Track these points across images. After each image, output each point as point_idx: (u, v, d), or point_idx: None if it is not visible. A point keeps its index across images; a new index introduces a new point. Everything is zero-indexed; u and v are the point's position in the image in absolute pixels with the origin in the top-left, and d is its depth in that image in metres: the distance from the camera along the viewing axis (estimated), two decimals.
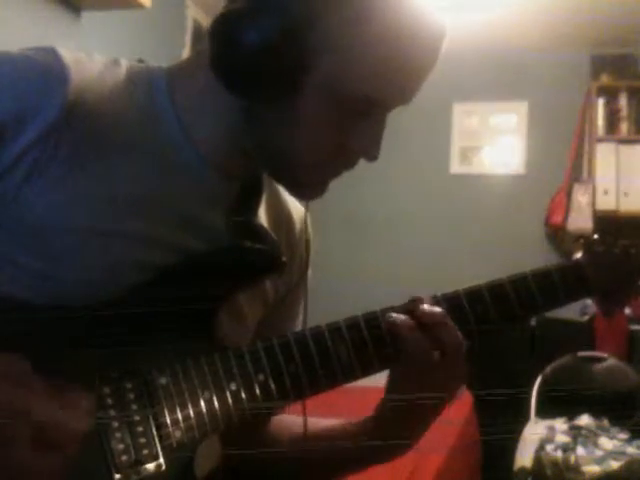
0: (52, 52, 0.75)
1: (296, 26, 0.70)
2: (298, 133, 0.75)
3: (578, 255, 0.88)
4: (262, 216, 0.88)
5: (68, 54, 0.76)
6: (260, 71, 0.71)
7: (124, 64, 0.81)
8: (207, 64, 0.74)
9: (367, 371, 0.78)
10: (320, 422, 0.93)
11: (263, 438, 0.95)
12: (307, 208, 0.91)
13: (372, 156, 0.77)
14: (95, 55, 0.80)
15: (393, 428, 0.84)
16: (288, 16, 0.69)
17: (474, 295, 0.82)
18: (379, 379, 0.85)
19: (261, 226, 0.84)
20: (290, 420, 0.95)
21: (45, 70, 0.73)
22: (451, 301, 0.81)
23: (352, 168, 0.80)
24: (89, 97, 0.74)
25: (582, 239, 0.89)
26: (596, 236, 0.89)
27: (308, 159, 0.76)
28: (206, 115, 0.79)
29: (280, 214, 0.92)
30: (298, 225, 0.94)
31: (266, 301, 0.90)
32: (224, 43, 0.71)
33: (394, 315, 0.78)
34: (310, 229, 0.96)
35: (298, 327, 0.95)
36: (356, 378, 0.78)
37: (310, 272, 0.96)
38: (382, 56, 0.71)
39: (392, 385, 0.82)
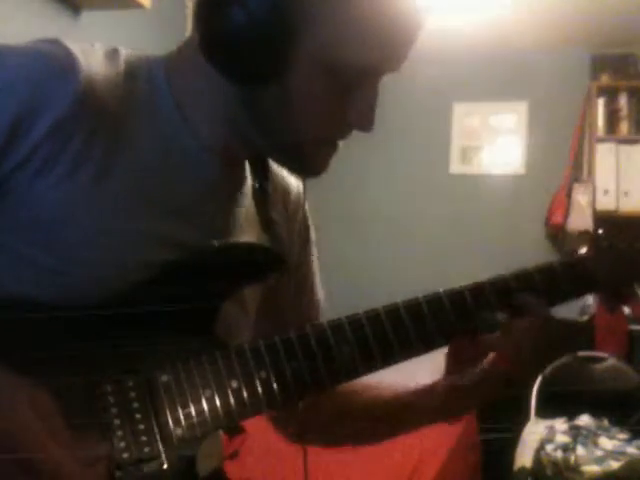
0: (59, 44, 0.75)
1: (281, 2, 0.69)
2: (293, 109, 0.74)
3: (582, 250, 0.88)
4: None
5: (74, 45, 0.75)
6: (249, 49, 0.70)
7: (123, 53, 0.80)
8: (199, 51, 0.73)
9: (369, 369, 0.78)
10: (387, 385, 0.94)
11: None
12: (305, 196, 0.91)
13: (367, 126, 0.77)
14: (96, 44, 0.79)
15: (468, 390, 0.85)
16: None
17: (477, 290, 0.82)
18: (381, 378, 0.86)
19: (270, 220, 0.84)
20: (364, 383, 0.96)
21: (56, 61, 0.73)
22: (454, 296, 0.81)
23: (346, 138, 0.80)
24: (97, 88, 0.74)
25: (587, 234, 0.89)
26: (600, 231, 0.89)
27: (306, 134, 0.76)
28: (203, 100, 0.79)
29: (276, 184, 0.91)
30: (294, 194, 0.94)
31: (266, 285, 0.90)
32: (209, 23, 0.70)
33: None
34: (306, 201, 0.96)
35: (316, 301, 0.97)
36: (358, 376, 0.78)
37: (313, 235, 0.96)
38: (368, 22, 0.71)
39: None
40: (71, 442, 0.62)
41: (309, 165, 0.80)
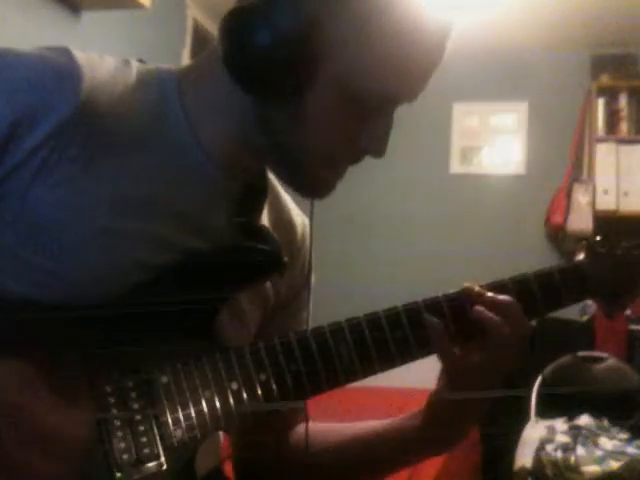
0: (66, 52, 0.75)
1: (307, 22, 0.70)
2: (309, 130, 0.75)
3: (580, 257, 0.88)
4: (263, 218, 0.88)
5: (81, 54, 0.76)
6: (272, 67, 0.71)
7: (134, 65, 0.81)
8: (217, 64, 0.75)
9: (368, 371, 0.78)
10: (357, 425, 0.93)
11: (289, 449, 0.94)
12: (312, 219, 0.91)
13: (378, 153, 0.78)
14: (106, 56, 0.80)
15: (448, 420, 0.84)
16: (299, 12, 0.70)
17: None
18: (379, 379, 0.86)
19: (263, 227, 0.85)
20: (325, 427, 0.95)
21: (59, 69, 0.73)
22: (453, 301, 0.81)
23: (357, 164, 0.81)
24: (101, 97, 0.75)
25: (584, 241, 0.89)
26: (598, 238, 0.89)
27: (319, 156, 0.77)
28: (215, 115, 0.80)
29: (281, 218, 0.92)
30: (299, 231, 0.94)
31: (266, 303, 0.90)
32: (236, 40, 0.72)
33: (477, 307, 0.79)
34: (312, 238, 0.96)
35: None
36: (357, 379, 0.78)
37: (313, 281, 0.96)
38: (390, 52, 0.72)
39: (451, 377, 0.82)
40: (54, 400, 0.62)
41: (315, 186, 0.80)
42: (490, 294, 0.80)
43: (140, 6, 2.70)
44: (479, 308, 0.79)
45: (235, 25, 0.72)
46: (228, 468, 0.91)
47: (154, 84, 0.80)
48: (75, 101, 0.72)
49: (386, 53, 0.72)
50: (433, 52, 0.76)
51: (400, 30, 0.72)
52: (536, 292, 0.83)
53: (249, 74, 0.73)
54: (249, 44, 0.71)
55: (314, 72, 0.72)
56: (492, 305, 0.79)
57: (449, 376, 0.82)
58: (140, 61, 0.84)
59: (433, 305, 0.80)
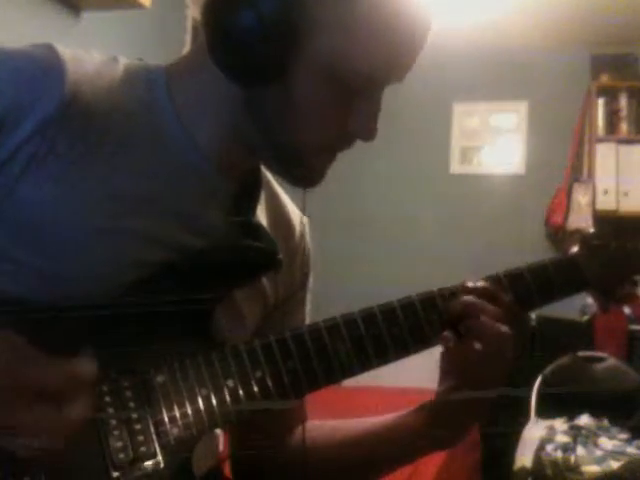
0: (50, 48, 0.75)
1: (289, 5, 0.69)
2: (295, 113, 0.74)
3: (574, 249, 0.88)
4: (261, 217, 0.88)
5: (66, 50, 0.76)
6: (255, 50, 0.70)
7: (122, 61, 0.81)
8: (205, 59, 0.74)
9: (365, 367, 0.78)
10: (362, 422, 0.93)
11: (290, 449, 0.94)
12: (305, 210, 0.90)
13: (368, 136, 0.77)
14: (93, 52, 0.80)
15: (451, 419, 0.84)
16: None
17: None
18: (378, 379, 0.85)
19: (258, 224, 0.84)
20: (328, 427, 0.95)
21: (43, 64, 0.73)
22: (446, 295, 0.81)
23: (348, 149, 0.80)
24: (87, 92, 0.75)
25: (578, 234, 0.89)
26: (592, 230, 0.89)
27: (308, 142, 0.76)
28: (205, 110, 0.79)
29: (278, 217, 0.92)
30: (298, 229, 0.94)
31: (265, 301, 0.90)
32: (219, 23, 0.71)
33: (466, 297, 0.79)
34: (309, 235, 0.96)
35: None
36: (353, 374, 0.78)
37: (311, 279, 0.96)
38: (373, 32, 0.71)
39: (452, 375, 0.82)
40: (48, 361, 0.62)
41: (307, 174, 0.80)
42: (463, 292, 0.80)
43: (140, 6, 2.70)
44: (450, 307, 0.79)
45: (215, 13, 0.71)
46: (227, 468, 0.91)
47: (141, 78, 0.80)
48: (60, 95, 0.72)
49: (369, 35, 0.71)
50: (417, 33, 0.75)
51: (383, 11, 0.71)
52: (530, 284, 0.83)
53: (233, 59, 0.72)
54: (232, 26, 0.70)
55: (299, 54, 0.71)
56: (466, 305, 0.79)
57: (448, 374, 0.82)
58: (140, 60, 0.84)
59: (427, 300, 0.80)
